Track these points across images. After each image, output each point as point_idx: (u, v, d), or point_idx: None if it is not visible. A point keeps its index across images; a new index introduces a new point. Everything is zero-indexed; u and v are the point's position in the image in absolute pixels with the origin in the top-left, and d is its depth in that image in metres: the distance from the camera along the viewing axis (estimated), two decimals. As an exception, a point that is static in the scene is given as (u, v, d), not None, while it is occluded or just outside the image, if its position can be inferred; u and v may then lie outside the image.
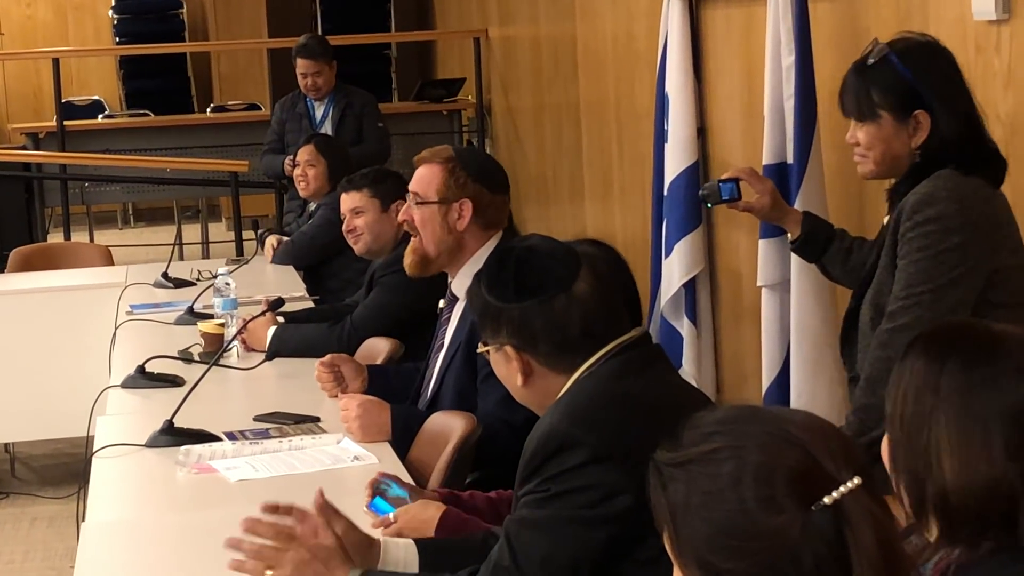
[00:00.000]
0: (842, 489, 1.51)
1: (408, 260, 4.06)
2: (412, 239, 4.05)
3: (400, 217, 4.08)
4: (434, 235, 3.99)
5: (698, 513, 1.54)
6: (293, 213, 7.57)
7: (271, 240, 6.92)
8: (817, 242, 3.70)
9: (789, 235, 3.81)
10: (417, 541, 2.79)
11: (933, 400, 1.90)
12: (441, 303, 4.15)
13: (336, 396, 4.19)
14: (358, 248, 5.33)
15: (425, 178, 4.03)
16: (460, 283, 4.03)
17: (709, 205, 3.82)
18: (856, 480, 1.52)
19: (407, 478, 3.33)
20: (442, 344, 4.07)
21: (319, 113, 8.13)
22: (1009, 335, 1.96)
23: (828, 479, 1.52)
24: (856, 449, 1.58)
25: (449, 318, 4.08)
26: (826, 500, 1.50)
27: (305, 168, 6.82)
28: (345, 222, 5.36)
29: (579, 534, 2.50)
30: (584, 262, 2.69)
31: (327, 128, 8.01)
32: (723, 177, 3.78)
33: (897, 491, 1.93)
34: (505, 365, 2.71)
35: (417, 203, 4.01)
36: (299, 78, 8.07)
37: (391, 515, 3.02)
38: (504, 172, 4.17)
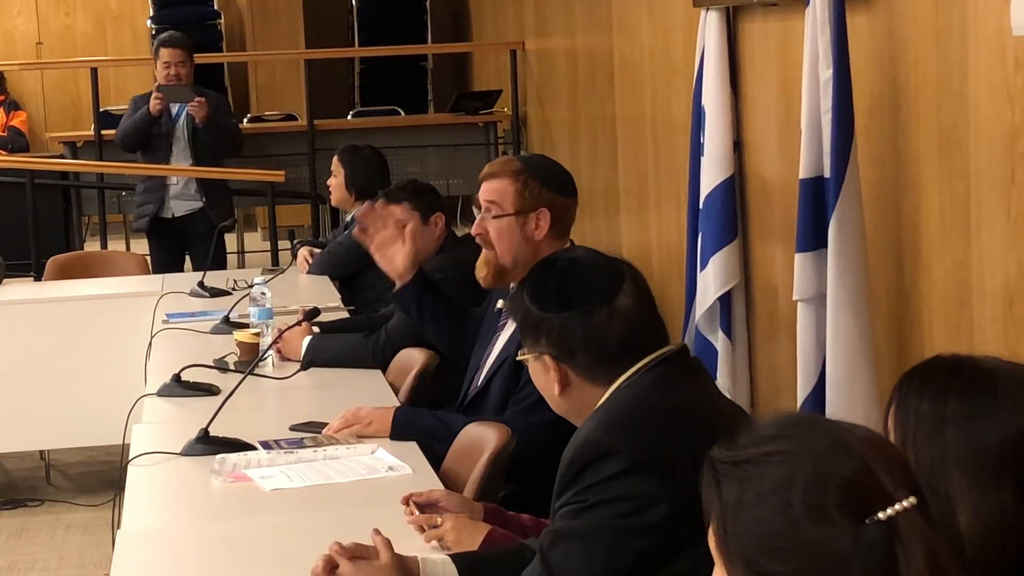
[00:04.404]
0: (897, 507, 1.50)
1: (482, 272, 4.04)
2: (484, 252, 4.05)
3: (474, 230, 4.07)
4: (511, 247, 3.99)
5: (749, 513, 1.54)
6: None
7: (303, 252, 6.94)
8: None
9: None
10: (453, 556, 2.81)
11: (942, 448, 1.89)
12: (500, 303, 4.15)
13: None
14: (400, 261, 5.32)
15: (499, 190, 4.02)
16: None
17: None
18: (912, 499, 1.51)
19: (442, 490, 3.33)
20: (493, 350, 4.09)
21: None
22: (999, 369, 1.96)
23: (883, 495, 1.51)
24: (913, 470, 1.58)
25: (504, 324, 4.09)
26: (880, 515, 1.50)
27: (331, 178, 6.89)
28: (387, 236, 5.37)
29: (615, 544, 2.50)
30: (628, 277, 2.69)
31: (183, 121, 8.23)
32: None
33: None
34: (543, 374, 2.72)
35: (493, 216, 4.01)
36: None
37: (439, 518, 3.03)
38: (570, 174, 4.18)
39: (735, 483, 1.56)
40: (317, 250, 6.91)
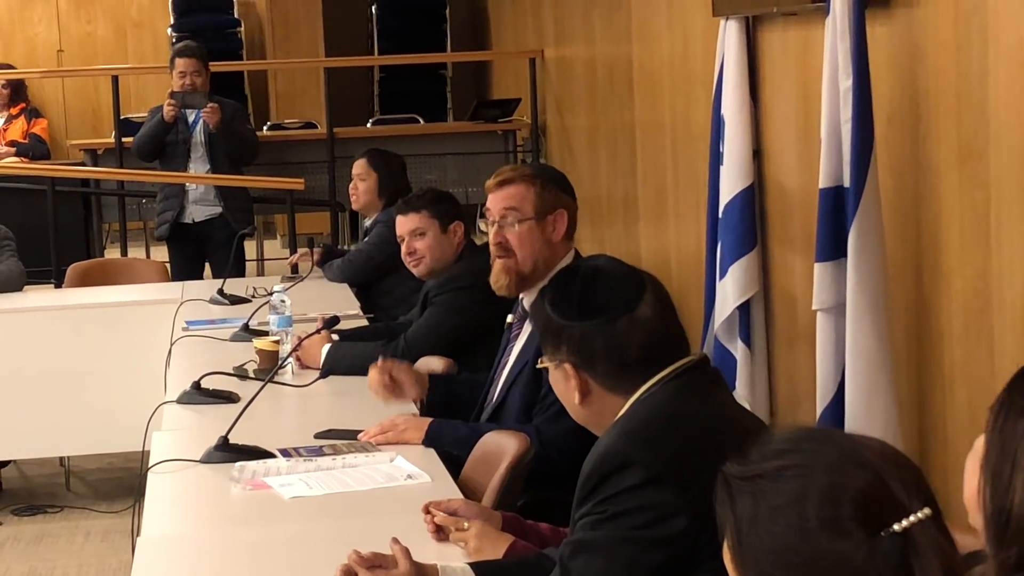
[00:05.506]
0: (912, 518, 1.51)
1: (501, 282, 4.03)
2: (499, 261, 4.05)
3: (494, 240, 4.06)
4: (533, 251, 4.00)
5: (764, 527, 1.55)
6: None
7: (315, 250, 6.94)
8: None
9: None
10: (473, 565, 2.82)
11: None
12: (510, 317, 4.16)
13: (389, 400, 4.20)
14: (419, 271, 5.32)
15: (517, 195, 4.04)
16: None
17: None
18: (927, 510, 1.52)
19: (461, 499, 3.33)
20: (507, 361, 4.08)
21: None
22: None
23: (898, 506, 1.52)
24: (927, 481, 1.58)
25: (518, 334, 4.09)
26: (895, 527, 1.50)
27: (356, 181, 6.86)
28: (405, 245, 5.37)
29: (634, 556, 2.50)
30: (649, 286, 2.70)
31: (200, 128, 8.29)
32: None
33: (983, 521, 1.92)
34: (563, 382, 2.72)
35: (517, 221, 4.01)
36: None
37: (466, 523, 3.04)
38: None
39: (749, 498, 1.57)
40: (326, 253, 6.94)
